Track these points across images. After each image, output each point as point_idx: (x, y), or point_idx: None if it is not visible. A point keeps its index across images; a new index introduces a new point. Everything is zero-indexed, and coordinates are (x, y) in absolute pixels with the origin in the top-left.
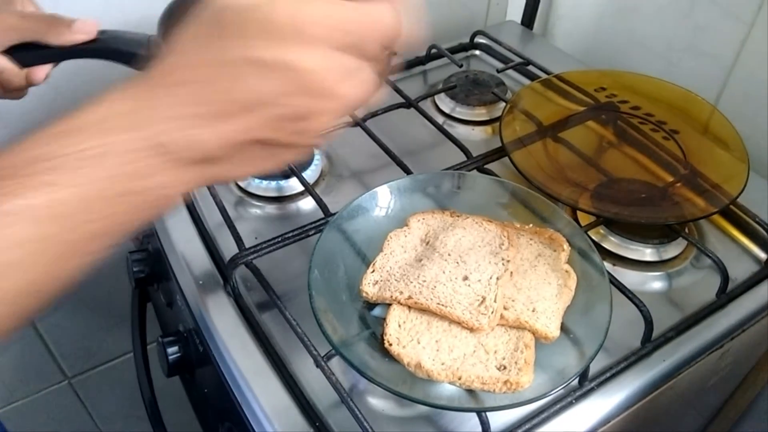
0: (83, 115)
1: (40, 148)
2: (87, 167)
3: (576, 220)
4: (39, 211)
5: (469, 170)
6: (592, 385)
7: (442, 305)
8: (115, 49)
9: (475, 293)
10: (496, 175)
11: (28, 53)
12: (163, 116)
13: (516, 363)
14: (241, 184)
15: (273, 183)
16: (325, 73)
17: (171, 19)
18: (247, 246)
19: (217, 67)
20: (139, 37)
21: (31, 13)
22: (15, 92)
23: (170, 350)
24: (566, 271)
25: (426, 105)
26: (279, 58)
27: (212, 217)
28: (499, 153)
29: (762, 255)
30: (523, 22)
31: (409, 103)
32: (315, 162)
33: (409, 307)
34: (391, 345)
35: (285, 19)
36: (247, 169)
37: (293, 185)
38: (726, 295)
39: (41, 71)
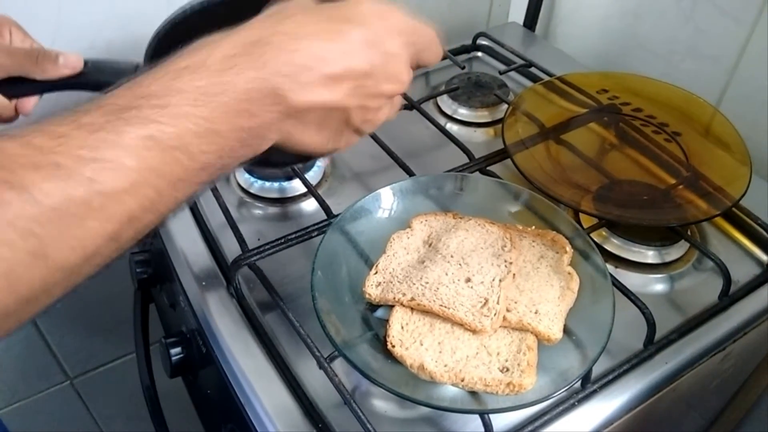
0: (191, 56)
1: (142, 87)
2: (186, 105)
3: (578, 222)
4: (158, 141)
5: (472, 172)
6: (595, 387)
7: (445, 307)
8: (101, 81)
9: (477, 295)
10: (499, 177)
11: (15, 87)
12: (278, 61)
13: (519, 365)
14: (243, 185)
15: (275, 184)
16: (404, 61)
17: (159, 47)
18: (250, 247)
19: (332, 32)
20: (125, 66)
21: (16, 49)
22: (4, 122)
23: (173, 351)
24: (569, 273)
25: (428, 107)
26: (380, 40)
27: (215, 219)
28: (502, 155)
29: (764, 257)
30: (525, 24)
31: (411, 105)
32: (317, 163)
33: (412, 309)
34: (393, 347)
35: (385, 14)
36: (322, 138)
37: (296, 186)
38: (728, 298)
39: (29, 102)
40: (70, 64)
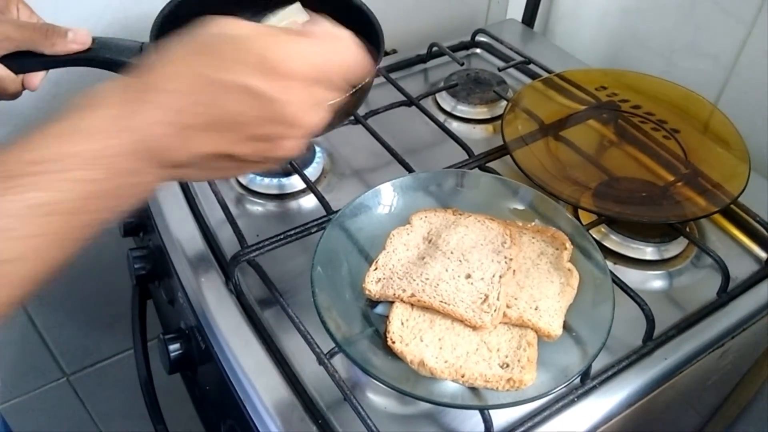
0: (72, 118)
1: (34, 151)
2: (81, 169)
3: (577, 218)
4: (36, 209)
5: (471, 168)
6: (594, 383)
7: (445, 303)
8: (108, 58)
9: (477, 291)
10: (498, 174)
11: (23, 61)
12: (152, 121)
13: (519, 361)
14: (242, 181)
15: (274, 180)
16: (297, 105)
17: (163, 26)
18: (249, 243)
19: (204, 83)
20: (131, 45)
21: (26, 23)
22: (10, 96)
23: (172, 347)
24: (568, 270)
25: (427, 103)
26: (260, 87)
27: (214, 215)
28: (501, 151)
29: (762, 254)
30: (523, 21)
31: (410, 102)
32: (317, 160)
33: (412, 305)
34: (394, 343)
35: (269, 53)
36: (213, 176)
37: (295, 183)
38: (727, 294)
39: (36, 77)
40: (79, 39)
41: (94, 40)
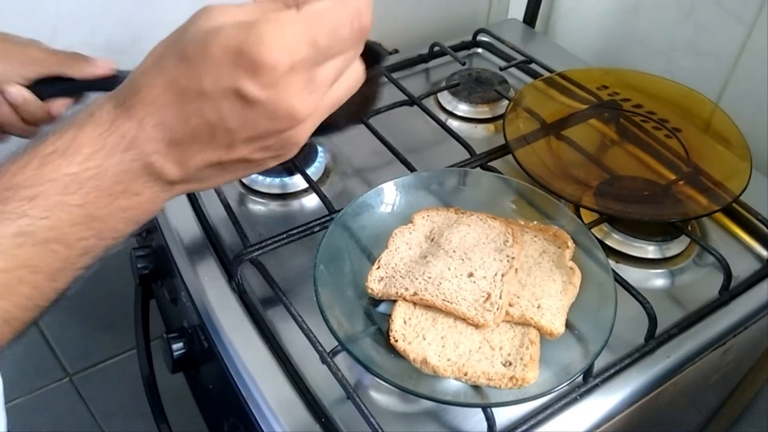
0: (59, 137)
1: (25, 173)
2: (59, 195)
3: (579, 217)
4: (30, 236)
5: (473, 168)
6: (597, 381)
7: (448, 302)
8: None
9: (480, 290)
10: (500, 173)
11: (49, 86)
12: (141, 138)
13: (521, 359)
14: (244, 181)
15: (277, 179)
16: (293, 96)
17: None
18: (251, 242)
19: (181, 93)
20: None
21: (53, 49)
22: (33, 126)
23: (175, 346)
24: (570, 268)
25: (429, 103)
26: (244, 88)
27: (216, 214)
28: (503, 150)
29: (764, 253)
30: (525, 20)
31: (412, 101)
32: (319, 159)
33: (415, 304)
34: (396, 341)
35: (246, 48)
36: (220, 183)
37: (297, 182)
38: (728, 293)
39: (61, 105)
40: (105, 65)
41: (117, 71)
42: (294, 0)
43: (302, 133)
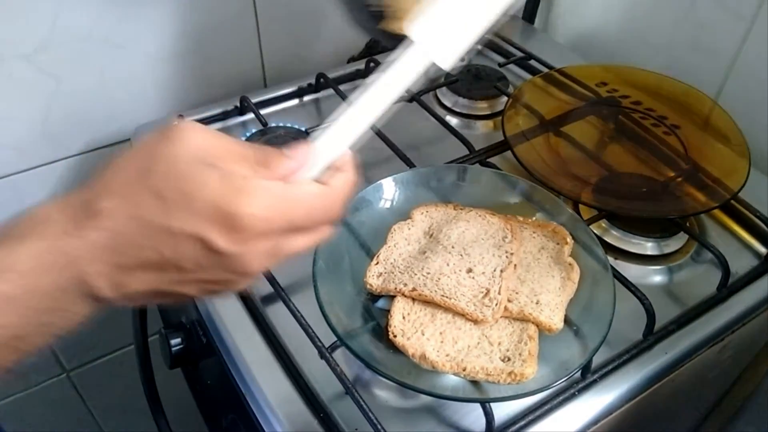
0: (3, 250)
1: None
2: (6, 313)
3: (578, 213)
4: None
5: (472, 164)
6: (595, 377)
7: (447, 297)
8: None
9: (479, 285)
10: (499, 169)
11: None
12: (84, 257)
13: (520, 354)
14: None
15: None
16: (254, 257)
17: None
18: None
19: (144, 226)
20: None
21: None
22: None
23: (173, 341)
24: (569, 264)
25: (428, 99)
26: (213, 240)
27: None
28: (502, 147)
29: (762, 249)
30: (524, 17)
31: (411, 97)
32: None
33: (413, 299)
34: (395, 336)
35: (225, 204)
36: (148, 304)
37: None
38: (727, 289)
39: None
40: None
41: None
42: (283, 170)
43: (245, 283)
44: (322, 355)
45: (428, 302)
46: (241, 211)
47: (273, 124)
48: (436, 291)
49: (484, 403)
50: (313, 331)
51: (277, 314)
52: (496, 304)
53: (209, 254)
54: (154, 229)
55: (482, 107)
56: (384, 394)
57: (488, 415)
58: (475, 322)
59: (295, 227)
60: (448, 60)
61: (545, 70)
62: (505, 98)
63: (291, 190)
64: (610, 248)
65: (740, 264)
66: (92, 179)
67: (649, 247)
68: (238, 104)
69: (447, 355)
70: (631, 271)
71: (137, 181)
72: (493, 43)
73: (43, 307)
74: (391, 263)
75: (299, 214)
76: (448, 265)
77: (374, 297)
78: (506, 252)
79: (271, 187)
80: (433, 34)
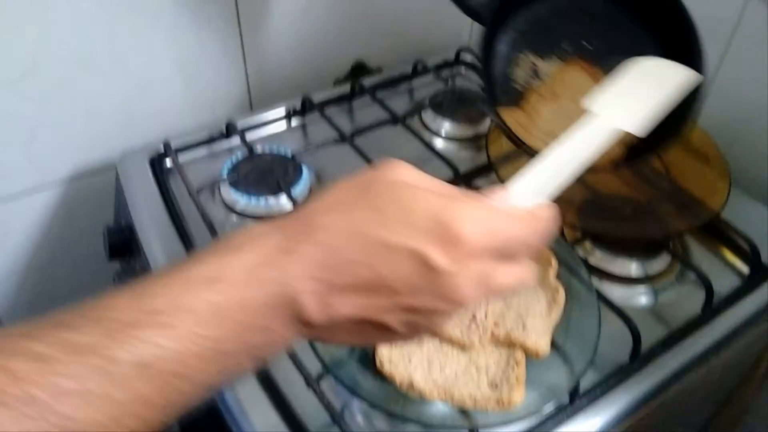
0: (209, 262)
1: (164, 297)
2: (194, 326)
3: (562, 235)
4: (155, 369)
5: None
6: (583, 401)
7: None
8: None
9: (465, 311)
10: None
11: None
12: (295, 274)
13: (507, 380)
14: (226, 201)
15: (261, 201)
16: (468, 281)
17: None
18: None
19: (361, 241)
20: None
21: None
22: None
23: None
24: (555, 287)
25: (413, 121)
26: (432, 256)
27: (200, 237)
28: (487, 169)
29: (745, 269)
30: None
31: (395, 120)
32: (303, 179)
33: None
34: (383, 364)
35: (447, 217)
36: (351, 342)
37: (282, 203)
38: (711, 310)
39: None
40: None
41: None
42: (487, 195)
43: (444, 321)
44: (309, 385)
45: None
46: (460, 225)
47: (260, 150)
48: None
49: (473, 431)
50: (300, 360)
51: None
52: (483, 329)
53: (424, 272)
54: (371, 243)
55: (467, 129)
56: (372, 423)
57: None
58: (463, 347)
59: (506, 252)
60: (636, 126)
61: None
62: (489, 120)
63: (504, 209)
64: (594, 270)
65: (723, 283)
66: (307, 201)
67: (633, 268)
68: (224, 130)
69: (434, 383)
70: (615, 292)
71: (355, 198)
72: (476, 65)
73: (249, 323)
74: None
75: (512, 234)
76: None
77: None
78: None
79: (486, 205)
80: (614, 108)
